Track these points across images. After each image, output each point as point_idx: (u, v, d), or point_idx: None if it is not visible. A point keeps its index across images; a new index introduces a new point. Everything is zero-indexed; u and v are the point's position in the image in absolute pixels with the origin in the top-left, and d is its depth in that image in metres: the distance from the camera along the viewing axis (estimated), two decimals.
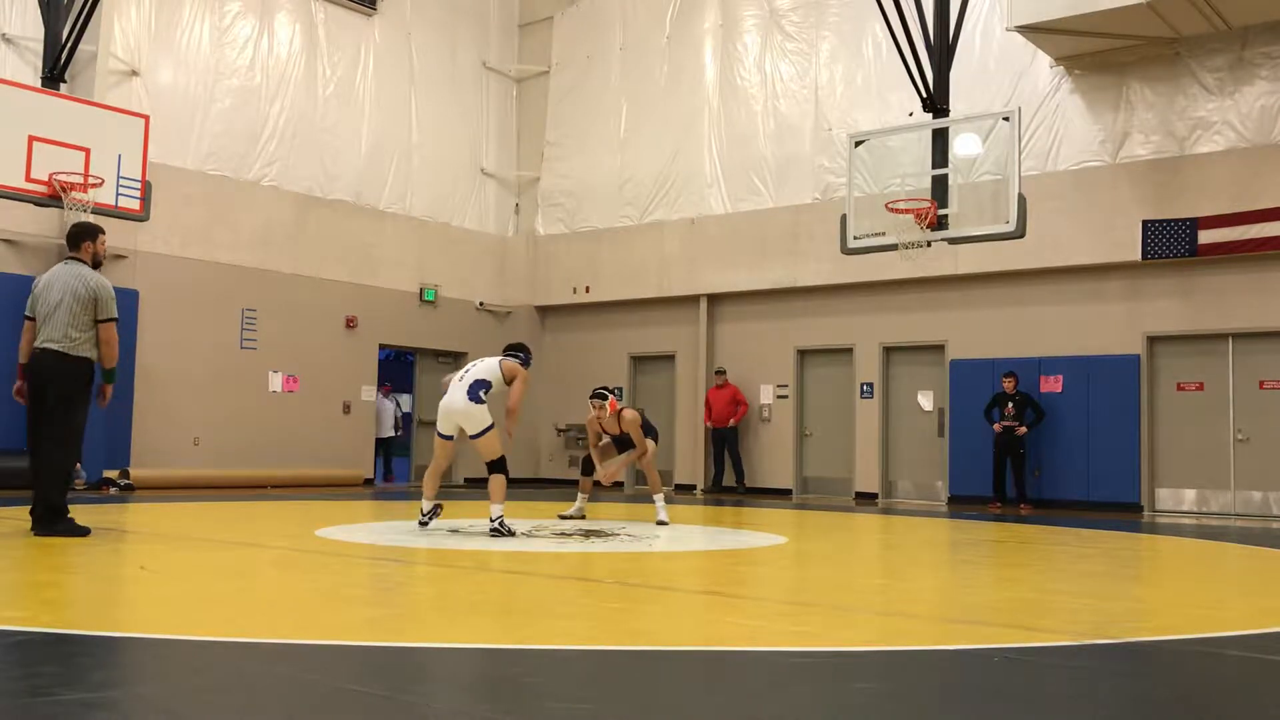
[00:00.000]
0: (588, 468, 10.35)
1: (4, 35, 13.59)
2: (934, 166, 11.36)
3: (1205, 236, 13.07)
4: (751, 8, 17.28)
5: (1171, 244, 13.24)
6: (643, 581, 5.99)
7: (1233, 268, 13.25)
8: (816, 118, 16.39)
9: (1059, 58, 14.31)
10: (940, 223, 11.23)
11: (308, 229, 16.33)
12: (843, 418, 16.18)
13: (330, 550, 7.06)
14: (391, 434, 19.24)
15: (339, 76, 16.98)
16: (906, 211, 11.27)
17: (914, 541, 9.37)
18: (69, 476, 7.61)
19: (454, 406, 8.34)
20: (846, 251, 12.05)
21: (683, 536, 9.07)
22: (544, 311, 19.43)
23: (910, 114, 13.82)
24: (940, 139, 11.40)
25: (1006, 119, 11.16)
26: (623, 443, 10.15)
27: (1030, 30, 13.41)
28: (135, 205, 11.64)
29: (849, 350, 16.14)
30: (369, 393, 17.26)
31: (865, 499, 15.66)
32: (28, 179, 10.74)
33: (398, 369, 21.14)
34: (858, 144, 11.94)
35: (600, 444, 10.29)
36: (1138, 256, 13.50)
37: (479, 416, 8.27)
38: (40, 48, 12.34)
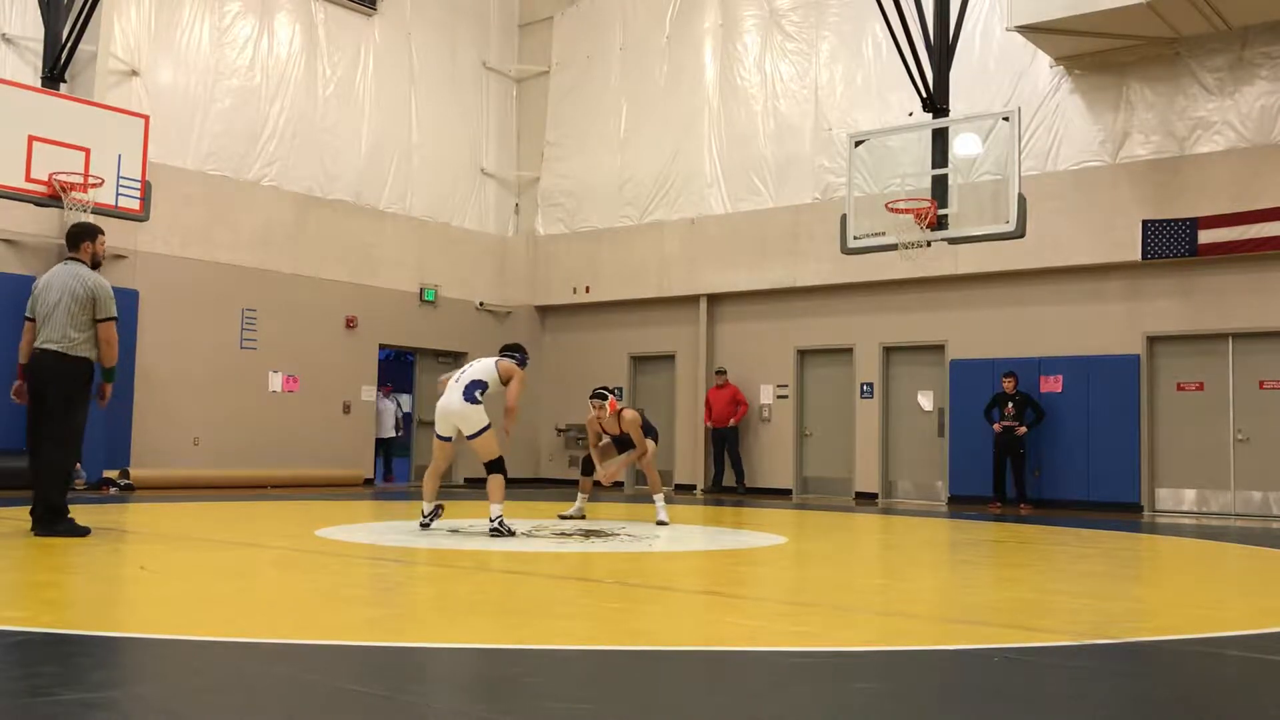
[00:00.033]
0: (588, 468, 10.35)
1: (4, 35, 13.59)
2: (934, 166, 11.36)
3: (1205, 236, 13.07)
4: (751, 8, 17.28)
5: (1171, 244, 13.24)
6: (643, 581, 5.99)
7: (1233, 268, 13.25)
8: (816, 118, 16.39)
9: (1059, 58, 14.31)
10: (940, 223, 11.23)
11: (308, 229, 16.33)
12: (843, 418, 16.18)
13: (330, 550, 7.06)
14: (392, 434, 19.24)
15: (339, 76, 16.98)
16: (906, 211, 11.27)
17: (914, 541, 9.37)
18: (69, 477, 7.61)
19: (450, 408, 8.34)
20: (846, 251, 12.05)
21: (683, 536, 9.06)
22: (544, 311, 19.43)
23: (910, 114, 13.82)
24: (940, 139, 11.40)
25: (1006, 119, 11.15)
26: (623, 443, 10.15)
27: (1030, 30, 13.41)
28: (135, 205, 11.64)
29: (849, 350, 16.14)
30: (369, 393, 17.26)
31: (865, 499, 15.66)
32: (28, 179, 10.73)
33: (398, 369, 21.14)
34: (858, 144, 11.94)
35: (600, 444, 10.29)
36: (1138, 256, 13.50)
37: (475, 417, 8.26)
38: (40, 48, 12.34)
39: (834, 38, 16.40)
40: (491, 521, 8.15)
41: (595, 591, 5.66)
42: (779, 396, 16.71)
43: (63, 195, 10.89)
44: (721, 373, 16.81)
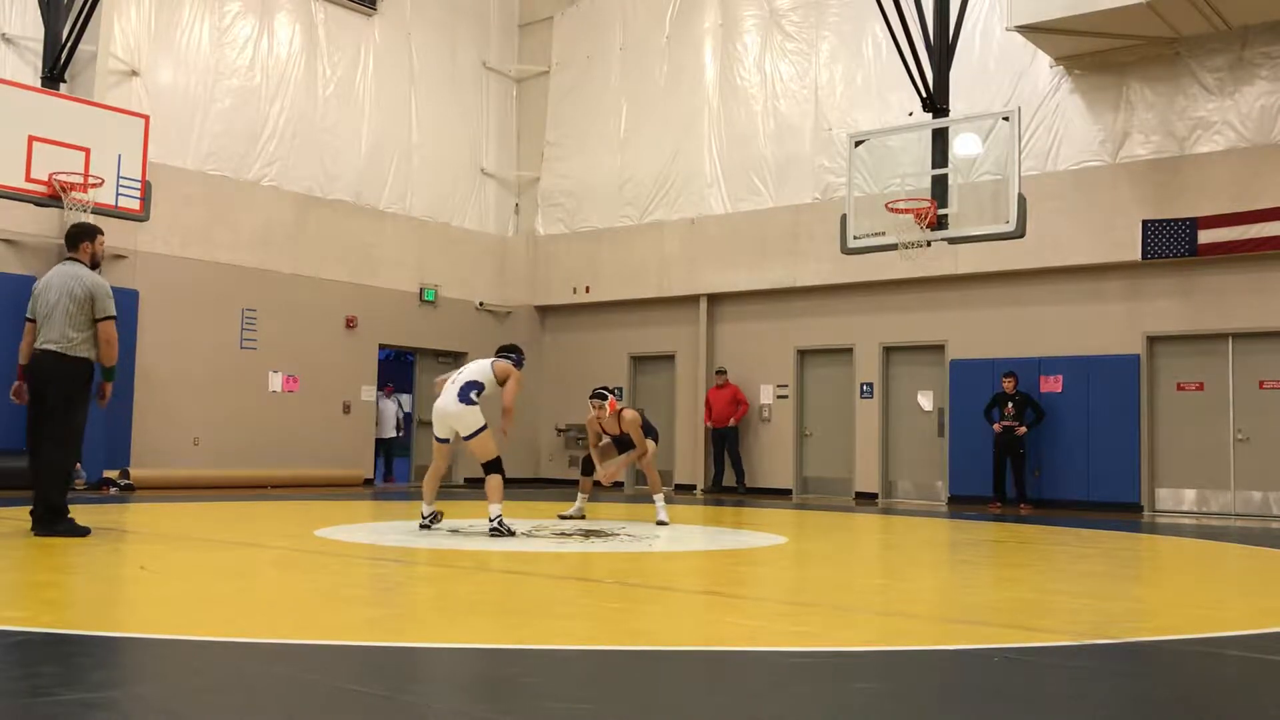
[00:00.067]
0: (588, 468, 10.35)
1: (4, 35, 13.59)
2: (934, 166, 11.36)
3: (1205, 236, 13.07)
4: (751, 8, 17.28)
5: (1171, 244, 13.24)
6: (643, 581, 5.99)
7: (1233, 268, 13.25)
8: (816, 118, 16.39)
9: (1059, 58, 14.31)
10: (940, 223, 11.23)
11: (308, 229, 16.33)
12: (843, 418, 16.18)
13: (330, 550, 7.06)
14: (394, 434, 19.24)
15: (339, 76, 16.98)
16: (906, 211, 11.27)
17: (914, 541, 9.37)
18: (69, 476, 7.61)
19: (446, 409, 8.36)
20: (846, 251, 12.05)
21: (683, 536, 9.06)
22: (544, 311, 19.43)
23: (910, 114, 13.82)
24: (940, 139, 11.40)
25: (1006, 119, 11.15)
26: (623, 443, 10.15)
27: (1030, 30, 13.41)
28: (135, 205, 11.63)
29: (849, 350, 16.14)
30: (369, 393, 17.26)
31: (865, 499, 15.66)
32: (28, 179, 10.73)
33: (398, 369, 21.14)
34: (858, 144, 11.94)
35: (600, 444, 10.29)
36: (1138, 256, 13.50)
37: (471, 418, 8.27)
38: (40, 48, 12.34)
39: (834, 38, 16.40)
40: (491, 521, 8.16)
41: (595, 591, 5.66)
42: (779, 396, 16.71)
43: (63, 195, 10.89)
44: (722, 373, 16.81)
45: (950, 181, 11.27)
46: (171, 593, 5.23)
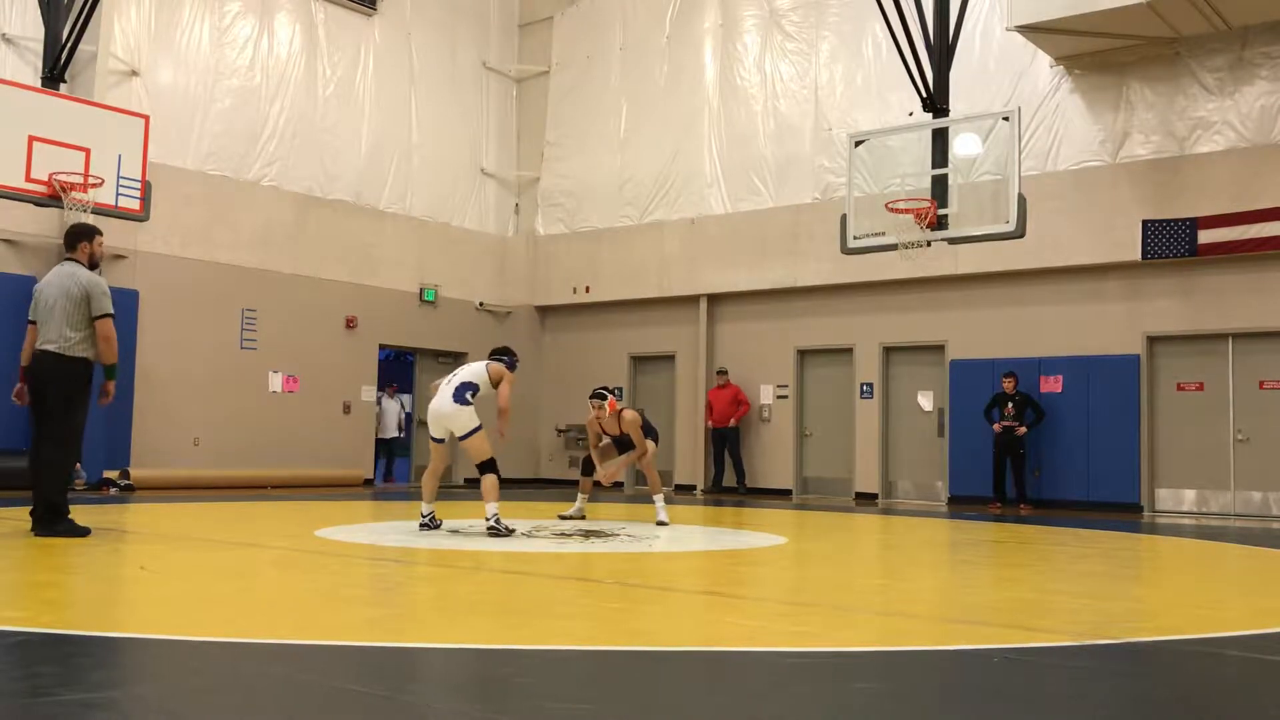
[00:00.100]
0: (588, 468, 10.35)
1: (4, 35, 13.59)
2: (934, 166, 11.36)
3: (1205, 236, 13.07)
4: (751, 8, 17.28)
5: (1171, 244, 13.24)
6: (643, 582, 5.99)
7: (1233, 268, 13.25)
8: (816, 118, 16.39)
9: (1059, 58, 14.31)
10: (940, 223, 11.23)
11: (308, 229, 16.33)
12: (843, 418, 16.18)
13: (330, 550, 7.06)
14: (396, 434, 19.23)
15: (339, 76, 16.98)
16: (906, 211, 11.27)
17: (914, 542, 9.37)
18: (69, 476, 7.62)
19: (442, 410, 8.43)
20: (846, 251, 12.05)
21: (683, 537, 9.06)
22: (544, 311, 19.43)
23: (910, 114, 13.82)
24: (940, 139, 11.40)
25: (1006, 119, 11.15)
26: (623, 443, 10.14)
27: (1030, 30, 13.41)
28: (135, 205, 11.63)
29: (849, 350, 16.14)
30: (369, 393, 17.26)
31: (865, 499, 15.66)
32: (28, 179, 10.73)
33: (398, 369, 21.15)
34: (858, 144, 11.94)
35: (600, 444, 10.29)
36: (1138, 256, 13.50)
37: (466, 419, 8.34)
38: (40, 48, 12.34)
39: (834, 38, 16.40)
40: (488, 521, 8.19)
41: (595, 591, 5.66)
42: (779, 397, 16.71)
43: (63, 195, 10.89)
44: (723, 373, 16.81)
45: (950, 181, 11.27)
46: (171, 593, 5.23)
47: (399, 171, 17.74)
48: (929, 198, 11.24)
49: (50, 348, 7.28)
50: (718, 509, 13.14)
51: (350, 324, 16.85)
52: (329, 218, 16.63)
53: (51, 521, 7.25)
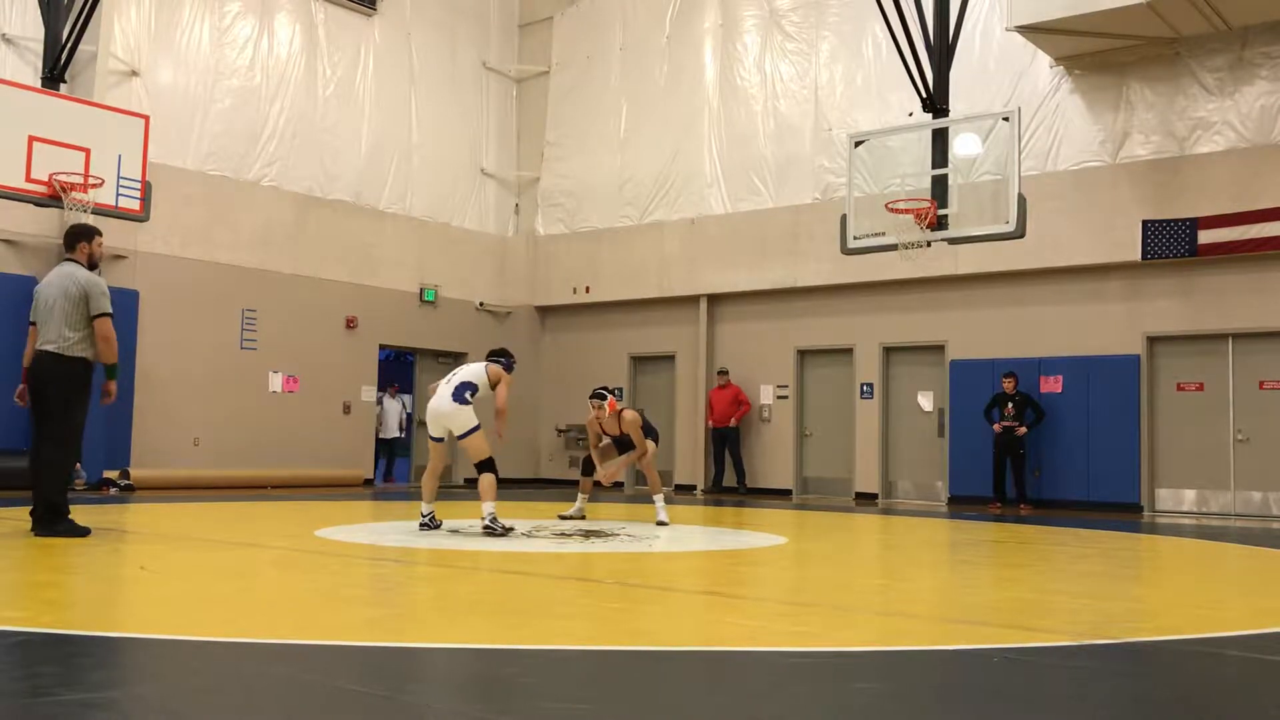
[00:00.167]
0: (588, 468, 10.35)
1: (4, 35, 13.59)
2: (934, 166, 11.36)
3: (1205, 236, 13.07)
4: (751, 8, 17.28)
5: (1171, 244, 13.24)
6: (643, 581, 5.99)
7: (1233, 268, 13.25)
8: (816, 118, 16.39)
9: (1059, 58, 14.31)
10: (940, 223, 11.23)
11: (308, 229, 16.33)
12: (843, 418, 16.18)
13: (330, 550, 7.06)
14: (397, 434, 19.22)
15: (339, 76, 16.98)
16: (906, 211, 11.27)
17: (914, 542, 9.37)
18: (69, 476, 7.62)
19: (441, 408, 8.47)
20: (846, 251, 12.05)
21: (683, 537, 9.07)
22: (544, 311, 19.43)
23: (910, 114, 13.83)
24: (940, 139, 11.40)
25: (1006, 119, 11.15)
26: (623, 443, 10.14)
27: (1030, 30, 13.41)
28: (135, 205, 11.63)
29: (849, 350, 16.14)
30: (369, 393, 17.26)
31: (865, 499, 15.66)
32: (28, 179, 10.73)
33: (398, 369, 21.15)
34: (858, 144, 11.94)
35: (600, 445, 10.29)
36: (1138, 256, 13.49)
37: (465, 417, 8.39)
38: (40, 48, 12.34)
39: (834, 38, 16.40)
40: (484, 519, 8.22)
41: (595, 591, 5.66)
42: (779, 397, 16.71)
43: (63, 195, 10.89)
44: (724, 373, 16.81)
45: (950, 181, 11.27)
46: (171, 593, 5.23)
47: (399, 171, 17.74)
48: (929, 198, 11.24)
49: (49, 348, 7.28)
50: (718, 509, 13.14)
51: (350, 324, 16.85)
52: (329, 218, 16.63)
53: (52, 521, 7.25)
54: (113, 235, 11.94)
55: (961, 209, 11.19)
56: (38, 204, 11.22)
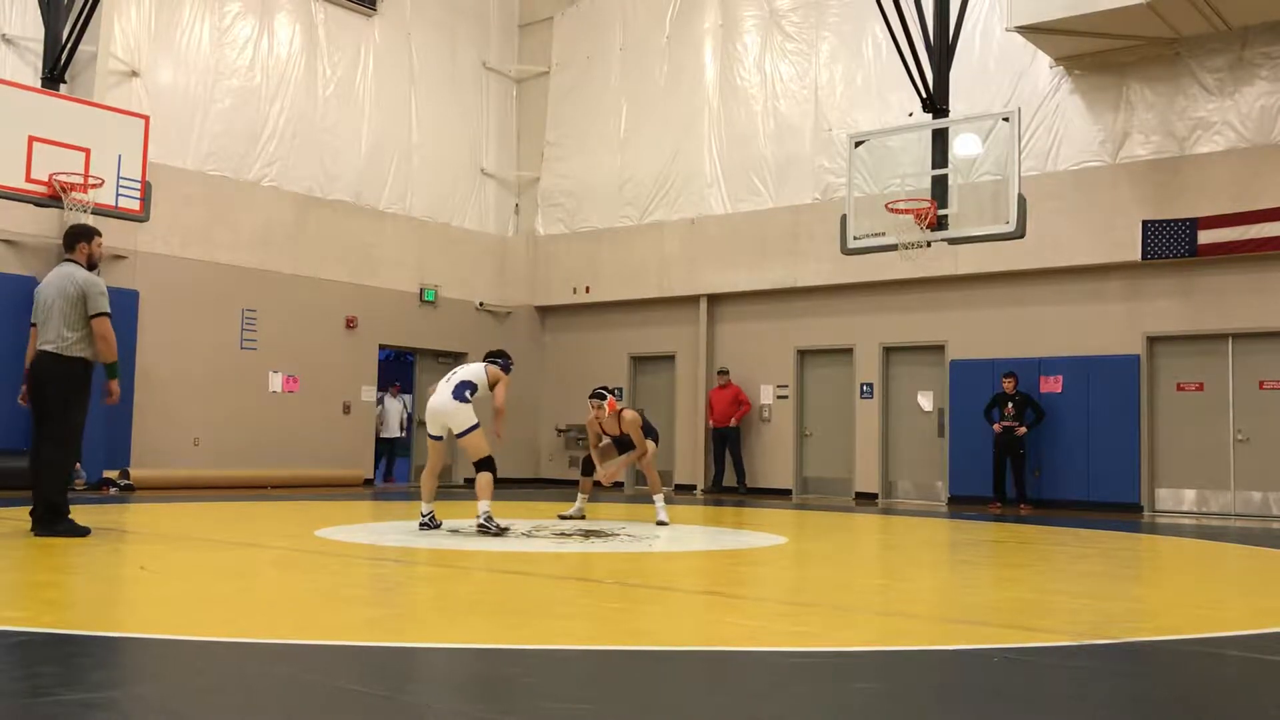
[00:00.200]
0: (588, 468, 10.35)
1: (4, 35, 13.59)
2: (934, 166, 11.36)
3: (1205, 236, 13.07)
4: (751, 8, 17.28)
5: (1171, 244, 13.24)
6: (643, 581, 5.99)
7: (1233, 268, 13.25)
8: (816, 118, 16.39)
9: (1059, 58, 14.31)
10: (940, 223, 11.23)
11: (308, 229, 16.33)
12: (843, 418, 16.18)
13: (330, 550, 7.06)
14: (398, 434, 19.22)
15: (339, 76, 16.98)
16: (906, 212, 11.27)
17: (914, 542, 9.37)
18: (69, 476, 7.62)
19: (441, 408, 8.51)
20: (846, 252, 12.05)
21: (683, 537, 9.07)
22: (544, 311, 19.43)
23: (910, 114, 13.83)
24: (940, 139, 11.40)
25: (1006, 119, 11.15)
26: (623, 443, 10.15)
27: (1030, 30, 13.41)
28: (135, 205, 11.63)
29: (849, 350, 16.14)
30: (369, 393, 17.26)
31: (865, 499, 15.66)
32: (28, 179, 10.73)
33: (398, 369, 21.15)
34: (858, 144, 11.94)
35: (600, 444, 10.30)
36: (1138, 256, 13.50)
37: (464, 416, 8.43)
38: (40, 48, 12.34)
39: (834, 38, 16.40)
40: (479, 518, 8.25)
41: (595, 591, 5.66)
42: (779, 397, 16.71)
43: (63, 196, 10.89)
44: (724, 373, 16.81)
45: (950, 182, 11.27)
46: (171, 593, 5.23)
47: (399, 171, 17.75)
48: (929, 198, 11.24)
49: (48, 348, 7.29)
50: (718, 509, 13.14)
51: (350, 324, 16.85)
52: (329, 218, 16.63)
53: (51, 521, 7.25)
54: (113, 235, 11.94)
55: (961, 209, 11.19)
56: (38, 204, 11.22)
